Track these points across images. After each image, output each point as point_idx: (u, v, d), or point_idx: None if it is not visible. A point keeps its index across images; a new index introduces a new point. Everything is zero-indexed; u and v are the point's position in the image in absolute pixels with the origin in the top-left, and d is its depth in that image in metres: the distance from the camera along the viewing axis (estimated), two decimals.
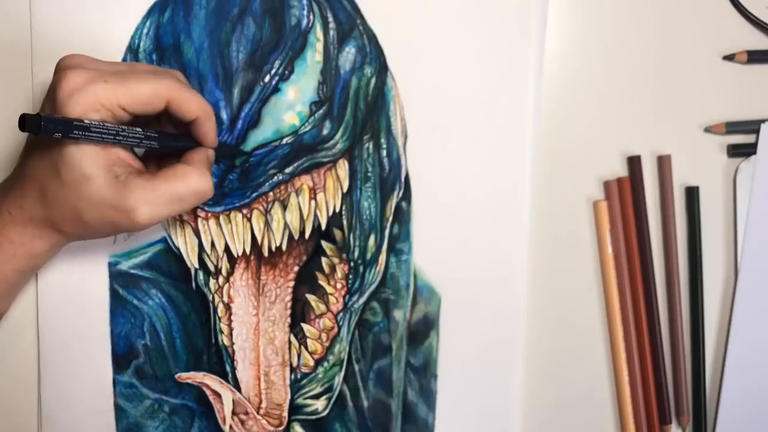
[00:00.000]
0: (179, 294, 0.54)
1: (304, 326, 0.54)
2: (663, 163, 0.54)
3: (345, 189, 0.53)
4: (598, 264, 0.55)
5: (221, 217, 0.53)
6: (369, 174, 0.53)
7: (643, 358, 0.54)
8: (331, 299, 0.54)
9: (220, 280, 0.54)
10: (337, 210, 0.53)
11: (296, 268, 0.54)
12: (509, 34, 0.52)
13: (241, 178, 0.52)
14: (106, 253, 0.53)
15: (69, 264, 0.53)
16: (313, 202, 0.53)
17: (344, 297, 0.54)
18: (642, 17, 0.54)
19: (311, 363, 0.54)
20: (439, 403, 0.55)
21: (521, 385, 0.55)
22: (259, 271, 0.54)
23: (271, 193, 0.53)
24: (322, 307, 0.54)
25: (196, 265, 0.54)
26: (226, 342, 0.54)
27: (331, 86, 0.52)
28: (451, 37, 0.52)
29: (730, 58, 0.54)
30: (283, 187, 0.53)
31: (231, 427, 0.55)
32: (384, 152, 0.53)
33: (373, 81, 0.52)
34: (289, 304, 0.54)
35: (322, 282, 0.54)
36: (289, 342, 0.54)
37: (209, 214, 0.53)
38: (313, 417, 0.55)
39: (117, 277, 0.53)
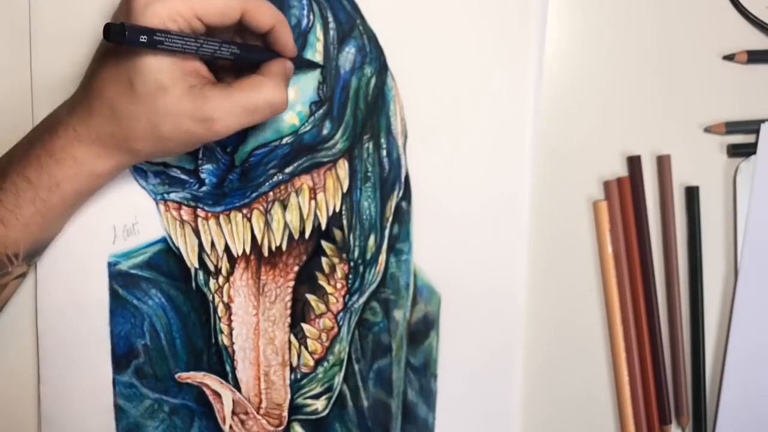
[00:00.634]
0: (179, 294, 0.54)
1: (304, 326, 0.54)
2: (663, 163, 0.54)
3: (345, 189, 0.53)
4: (598, 264, 0.55)
5: (221, 217, 0.53)
6: (369, 174, 0.53)
7: (643, 358, 0.54)
8: (331, 299, 0.54)
9: (220, 280, 0.54)
10: (337, 210, 0.53)
11: (296, 268, 0.54)
12: (509, 34, 0.52)
13: (241, 178, 0.52)
14: (106, 253, 0.53)
15: (69, 264, 0.53)
16: (313, 202, 0.53)
17: (344, 297, 0.54)
18: (642, 17, 0.54)
19: (311, 363, 0.54)
20: (439, 403, 0.55)
21: (521, 385, 0.54)
22: (259, 271, 0.54)
23: (271, 193, 0.53)
24: (322, 307, 0.54)
25: (196, 265, 0.54)
26: (226, 342, 0.54)
27: (331, 86, 0.52)
28: (452, 37, 0.52)
29: (730, 58, 0.54)
30: (283, 187, 0.53)
31: (231, 427, 0.55)
32: (384, 152, 0.53)
33: (373, 81, 0.52)
34: (289, 304, 0.54)
35: (322, 282, 0.54)
36: (289, 342, 0.54)
37: (209, 214, 0.53)
38: (313, 417, 0.55)
39: (117, 277, 0.53)
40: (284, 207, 0.53)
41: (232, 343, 0.54)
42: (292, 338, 0.54)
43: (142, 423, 0.54)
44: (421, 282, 0.54)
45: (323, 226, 0.53)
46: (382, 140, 0.53)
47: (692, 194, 0.54)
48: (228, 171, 0.52)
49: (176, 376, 0.54)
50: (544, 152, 0.54)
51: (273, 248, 0.53)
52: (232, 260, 0.53)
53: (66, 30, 0.52)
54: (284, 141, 0.52)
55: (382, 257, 0.54)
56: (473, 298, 0.54)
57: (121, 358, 0.54)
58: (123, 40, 0.39)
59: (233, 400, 0.54)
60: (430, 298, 0.54)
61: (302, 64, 0.51)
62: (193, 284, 0.54)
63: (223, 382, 0.54)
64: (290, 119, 0.52)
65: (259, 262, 0.53)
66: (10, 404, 0.54)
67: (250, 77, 0.45)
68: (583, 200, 0.55)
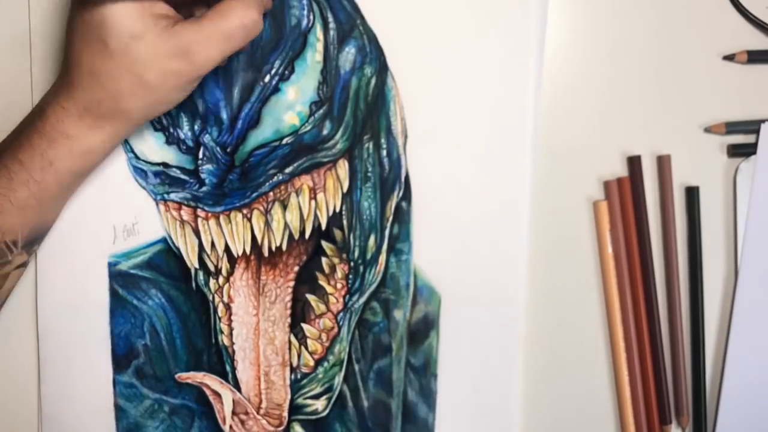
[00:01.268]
0: (179, 294, 0.54)
1: (304, 326, 0.54)
2: (663, 163, 0.54)
3: (345, 189, 0.53)
4: (598, 264, 0.55)
5: (221, 217, 0.53)
6: (369, 174, 0.53)
7: (643, 358, 0.54)
8: (331, 299, 0.54)
9: (220, 280, 0.54)
10: (337, 210, 0.53)
11: (296, 268, 0.54)
12: (509, 35, 0.52)
13: (241, 178, 0.52)
14: (106, 253, 0.53)
15: (69, 264, 0.53)
16: (313, 202, 0.53)
17: (344, 297, 0.54)
18: (642, 17, 0.54)
19: (311, 363, 0.54)
20: (439, 403, 0.55)
21: (521, 385, 0.54)
22: (259, 271, 0.54)
23: (271, 193, 0.53)
24: (322, 307, 0.54)
25: (196, 265, 0.54)
26: (226, 342, 0.54)
27: (331, 86, 0.52)
28: (452, 37, 0.52)
29: (730, 58, 0.54)
30: (283, 187, 0.53)
31: (231, 427, 0.55)
32: (384, 152, 0.53)
33: (373, 81, 0.52)
34: (289, 304, 0.54)
35: (322, 282, 0.54)
36: (289, 342, 0.54)
37: (209, 214, 0.53)
38: (313, 417, 0.55)
39: (117, 277, 0.53)
40: (284, 207, 0.53)
41: (232, 343, 0.54)
42: (292, 338, 0.54)
43: (142, 423, 0.54)
44: (421, 282, 0.54)
45: (323, 226, 0.53)
46: (382, 140, 0.53)
47: (692, 194, 0.54)
48: (228, 171, 0.52)
49: (176, 376, 0.54)
50: (544, 152, 0.54)
51: (273, 248, 0.53)
52: (232, 260, 0.53)
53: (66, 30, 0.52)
54: (284, 141, 0.52)
55: (382, 257, 0.54)
56: (473, 299, 0.54)
57: (121, 358, 0.54)
58: None
59: (233, 400, 0.54)
60: (430, 298, 0.54)
61: None
62: (193, 284, 0.54)
63: (223, 382, 0.54)
64: (290, 119, 0.52)
65: (259, 262, 0.54)
66: (11, 404, 0.54)
67: (218, 5, 0.44)
68: (583, 200, 0.55)
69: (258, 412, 0.55)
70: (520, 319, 0.54)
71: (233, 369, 0.54)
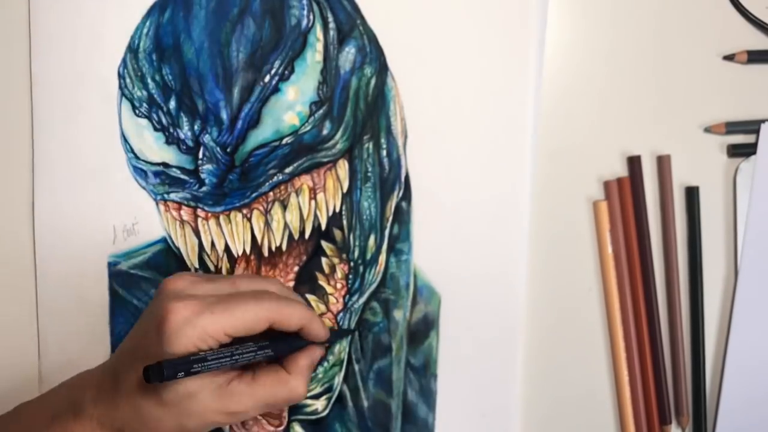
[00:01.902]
0: None
1: None
2: (663, 163, 0.54)
3: (345, 189, 0.53)
4: (598, 264, 0.55)
5: (221, 217, 0.53)
6: (369, 174, 0.53)
7: (643, 358, 0.54)
8: (331, 299, 0.54)
9: None
10: (337, 210, 0.53)
11: (296, 268, 0.54)
12: (509, 35, 0.52)
13: (241, 178, 0.52)
14: (106, 253, 0.53)
15: (69, 264, 0.53)
16: (313, 202, 0.53)
17: (344, 297, 0.54)
18: (642, 17, 0.54)
19: None
20: (439, 403, 0.55)
21: (521, 385, 0.54)
22: (259, 271, 0.54)
23: (271, 193, 0.53)
24: (322, 307, 0.54)
25: (196, 265, 0.54)
26: None
27: (331, 86, 0.52)
28: (452, 37, 0.52)
29: (730, 58, 0.54)
30: (283, 187, 0.53)
31: (231, 427, 0.55)
32: (384, 152, 0.53)
33: (373, 81, 0.52)
34: None
35: (322, 282, 0.54)
36: None
37: (209, 214, 0.53)
38: (313, 417, 0.55)
39: (117, 277, 0.53)
40: (284, 207, 0.53)
41: None
42: None
43: None
44: (421, 282, 0.54)
45: (323, 227, 0.53)
46: (382, 140, 0.53)
47: (692, 194, 0.54)
48: (228, 171, 0.52)
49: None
50: (544, 152, 0.54)
51: (273, 248, 0.53)
52: (232, 260, 0.53)
53: (66, 30, 0.52)
54: (284, 141, 0.52)
55: (382, 257, 0.54)
56: (473, 298, 0.54)
57: None
58: (162, 378, 0.40)
59: None
60: (430, 298, 0.54)
61: (336, 338, 0.53)
62: None
63: None
64: (290, 119, 0.52)
65: (259, 262, 0.53)
66: (11, 404, 0.54)
67: (275, 372, 0.46)
68: (583, 200, 0.55)
69: None
70: (520, 319, 0.54)
71: None
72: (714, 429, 0.55)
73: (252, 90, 0.52)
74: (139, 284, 0.54)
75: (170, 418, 0.43)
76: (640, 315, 0.54)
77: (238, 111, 0.52)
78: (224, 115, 0.52)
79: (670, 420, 0.55)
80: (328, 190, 0.53)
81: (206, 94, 0.52)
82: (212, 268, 0.53)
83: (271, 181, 0.53)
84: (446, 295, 0.54)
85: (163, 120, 0.52)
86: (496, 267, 0.54)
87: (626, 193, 0.54)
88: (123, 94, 0.53)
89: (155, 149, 0.53)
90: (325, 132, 0.52)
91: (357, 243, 0.53)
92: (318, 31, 0.52)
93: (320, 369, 0.54)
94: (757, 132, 0.54)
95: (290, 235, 0.53)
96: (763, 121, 0.54)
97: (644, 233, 0.54)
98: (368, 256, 0.54)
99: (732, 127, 0.54)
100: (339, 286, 0.54)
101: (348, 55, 0.52)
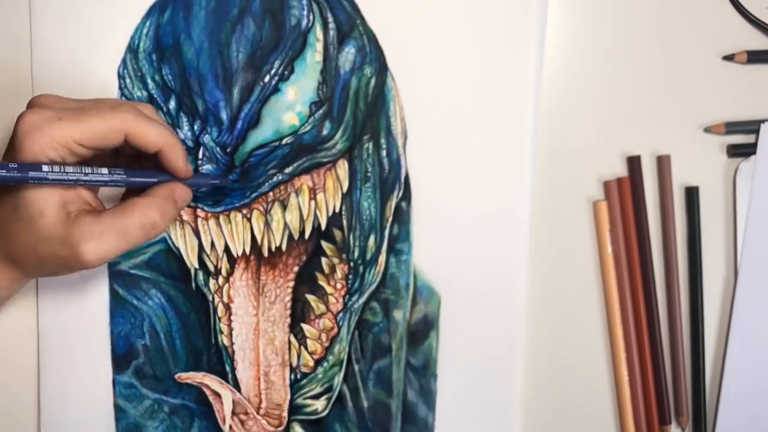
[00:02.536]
0: (179, 294, 0.54)
1: (304, 326, 0.54)
2: (663, 163, 0.54)
3: (345, 189, 0.53)
4: (598, 264, 0.55)
5: (221, 217, 0.53)
6: (369, 174, 0.53)
7: (642, 358, 0.54)
8: (331, 299, 0.54)
9: (220, 280, 0.54)
10: (337, 210, 0.53)
11: (296, 269, 0.54)
12: (509, 35, 0.52)
13: (241, 178, 0.52)
14: None
15: None
16: (312, 202, 0.53)
17: (344, 297, 0.54)
18: (642, 17, 0.54)
19: (311, 363, 0.54)
20: (439, 403, 0.55)
21: (521, 385, 0.55)
22: (259, 272, 0.54)
23: (270, 193, 0.53)
24: (322, 308, 0.54)
25: (196, 265, 0.54)
26: (226, 342, 0.54)
27: (331, 86, 0.52)
28: (451, 37, 0.52)
29: (730, 58, 0.54)
30: (282, 187, 0.53)
31: (231, 427, 0.55)
32: (384, 152, 0.53)
33: (373, 81, 0.52)
34: (289, 305, 0.54)
35: (322, 282, 0.54)
36: (289, 342, 0.54)
37: (209, 215, 0.53)
38: (313, 417, 0.55)
39: (117, 277, 0.53)
40: (284, 207, 0.53)
41: (232, 344, 0.54)
42: (292, 338, 0.54)
43: (142, 423, 0.54)
44: (421, 282, 0.54)
45: (323, 227, 0.53)
46: (382, 140, 0.53)
47: (692, 194, 0.54)
48: (228, 171, 0.52)
49: (176, 376, 0.54)
50: (545, 153, 0.54)
51: (273, 248, 0.53)
52: (232, 260, 0.53)
53: (66, 31, 0.52)
54: (284, 141, 0.52)
55: (382, 257, 0.54)
56: (473, 299, 0.54)
57: (121, 359, 0.54)
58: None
59: (233, 401, 0.54)
60: (430, 299, 0.54)
61: (205, 185, 0.50)
62: (193, 284, 0.54)
63: (223, 382, 0.54)
64: (290, 119, 0.52)
65: (259, 262, 0.53)
66: (10, 404, 0.54)
67: (125, 201, 0.45)
68: (583, 200, 0.55)
69: (258, 413, 0.55)
70: (520, 319, 0.54)
71: (233, 369, 0.54)
72: (714, 429, 0.55)
73: (252, 90, 0.52)
74: (139, 284, 0.54)
75: (24, 235, 0.43)
76: (639, 315, 0.54)
77: (237, 111, 0.52)
78: (224, 116, 0.52)
79: (670, 420, 0.55)
80: (328, 191, 0.53)
81: (206, 94, 0.52)
82: (212, 268, 0.53)
83: (270, 182, 0.53)
84: (446, 295, 0.54)
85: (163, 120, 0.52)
86: (496, 267, 0.54)
87: (626, 193, 0.54)
88: (123, 95, 0.53)
89: None
90: (324, 132, 0.52)
91: (357, 243, 0.53)
92: (318, 31, 0.52)
93: (320, 369, 0.54)
94: (756, 132, 0.54)
95: (290, 235, 0.53)
96: (763, 121, 0.54)
97: (644, 233, 0.54)
98: (368, 256, 0.54)
99: (732, 127, 0.54)
100: (339, 286, 0.54)
101: (348, 55, 0.52)
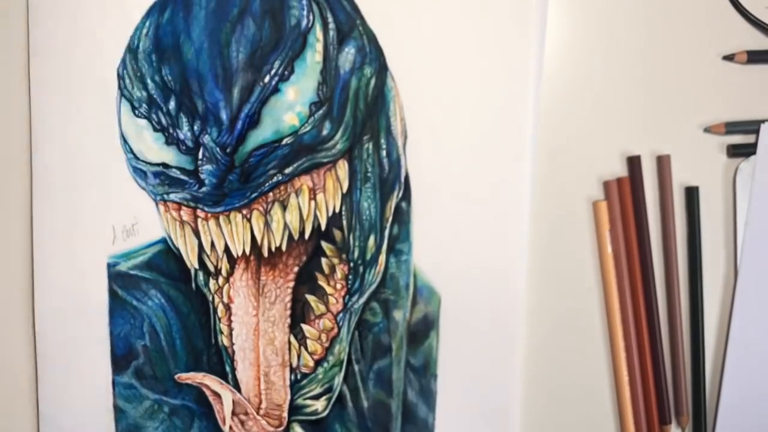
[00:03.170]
0: (179, 294, 0.54)
1: (304, 327, 0.54)
2: (663, 163, 0.54)
3: (345, 189, 0.53)
4: (598, 264, 0.55)
5: (221, 218, 0.53)
6: (369, 174, 0.53)
7: (642, 358, 0.54)
8: (331, 300, 0.54)
9: (220, 280, 0.54)
10: (337, 210, 0.53)
11: (296, 269, 0.54)
12: (509, 34, 0.52)
13: (240, 178, 0.52)
14: (106, 253, 0.53)
15: (68, 264, 0.53)
16: (312, 202, 0.53)
17: (344, 297, 0.54)
18: (642, 17, 0.54)
19: (311, 363, 0.54)
20: (439, 403, 0.55)
21: (521, 385, 0.55)
22: (259, 272, 0.54)
23: (270, 194, 0.53)
24: (322, 308, 0.54)
25: (196, 266, 0.54)
26: (226, 342, 0.54)
27: (330, 86, 0.52)
28: (451, 37, 0.52)
29: (730, 58, 0.54)
30: (282, 188, 0.53)
31: (231, 427, 0.55)
32: (384, 152, 0.53)
33: (372, 81, 0.52)
34: (289, 305, 0.54)
35: (322, 282, 0.54)
36: (289, 342, 0.54)
37: (209, 215, 0.53)
38: (313, 417, 0.55)
39: (116, 277, 0.53)
40: (284, 207, 0.53)
41: (232, 344, 0.54)
42: (292, 339, 0.54)
43: (141, 424, 0.54)
44: (421, 282, 0.54)
45: (323, 227, 0.53)
46: (382, 140, 0.53)
47: (692, 194, 0.54)
48: (228, 171, 0.52)
49: (176, 376, 0.54)
50: (544, 152, 0.54)
51: (273, 249, 0.53)
52: (232, 261, 0.53)
53: (65, 31, 0.52)
54: (284, 141, 0.52)
55: (382, 258, 0.54)
56: (473, 299, 0.54)
57: (120, 359, 0.54)
58: None
59: (233, 401, 0.54)
60: (430, 299, 0.54)
61: None
62: (193, 285, 0.54)
63: (223, 382, 0.54)
64: (290, 120, 0.52)
65: (259, 262, 0.53)
66: (9, 404, 0.54)
67: None
68: (583, 200, 0.55)
69: (258, 413, 0.54)
70: (520, 319, 0.54)
71: (233, 369, 0.54)
72: (714, 429, 0.55)
73: (252, 90, 0.52)
74: (139, 285, 0.53)
75: None
76: (639, 315, 0.54)
77: (237, 111, 0.52)
78: (224, 116, 0.52)
79: (670, 420, 0.55)
80: (328, 191, 0.53)
81: (206, 94, 0.52)
82: (212, 268, 0.53)
83: (270, 182, 0.53)
84: (446, 295, 0.54)
85: (163, 120, 0.52)
86: (496, 267, 0.54)
87: (626, 193, 0.54)
88: (122, 95, 0.53)
89: (155, 150, 0.53)
90: (324, 132, 0.52)
91: (357, 243, 0.53)
92: (318, 31, 0.52)
93: (320, 369, 0.54)
94: (756, 132, 0.54)
95: (290, 236, 0.53)
96: (763, 121, 0.54)
97: (644, 233, 0.54)
98: (368, 256, 0.53)
99: (732, 127, 0.54)
100: (339, 286, 0.54)
101: (348, 55, 0.52)
